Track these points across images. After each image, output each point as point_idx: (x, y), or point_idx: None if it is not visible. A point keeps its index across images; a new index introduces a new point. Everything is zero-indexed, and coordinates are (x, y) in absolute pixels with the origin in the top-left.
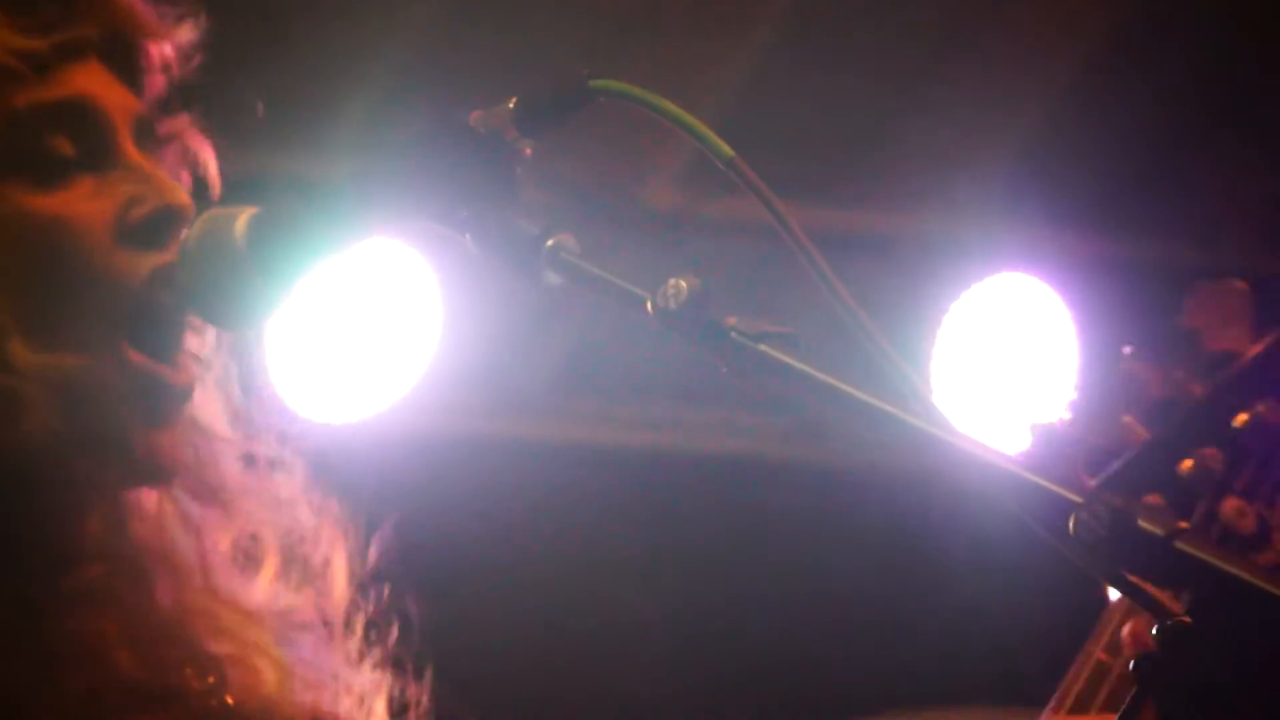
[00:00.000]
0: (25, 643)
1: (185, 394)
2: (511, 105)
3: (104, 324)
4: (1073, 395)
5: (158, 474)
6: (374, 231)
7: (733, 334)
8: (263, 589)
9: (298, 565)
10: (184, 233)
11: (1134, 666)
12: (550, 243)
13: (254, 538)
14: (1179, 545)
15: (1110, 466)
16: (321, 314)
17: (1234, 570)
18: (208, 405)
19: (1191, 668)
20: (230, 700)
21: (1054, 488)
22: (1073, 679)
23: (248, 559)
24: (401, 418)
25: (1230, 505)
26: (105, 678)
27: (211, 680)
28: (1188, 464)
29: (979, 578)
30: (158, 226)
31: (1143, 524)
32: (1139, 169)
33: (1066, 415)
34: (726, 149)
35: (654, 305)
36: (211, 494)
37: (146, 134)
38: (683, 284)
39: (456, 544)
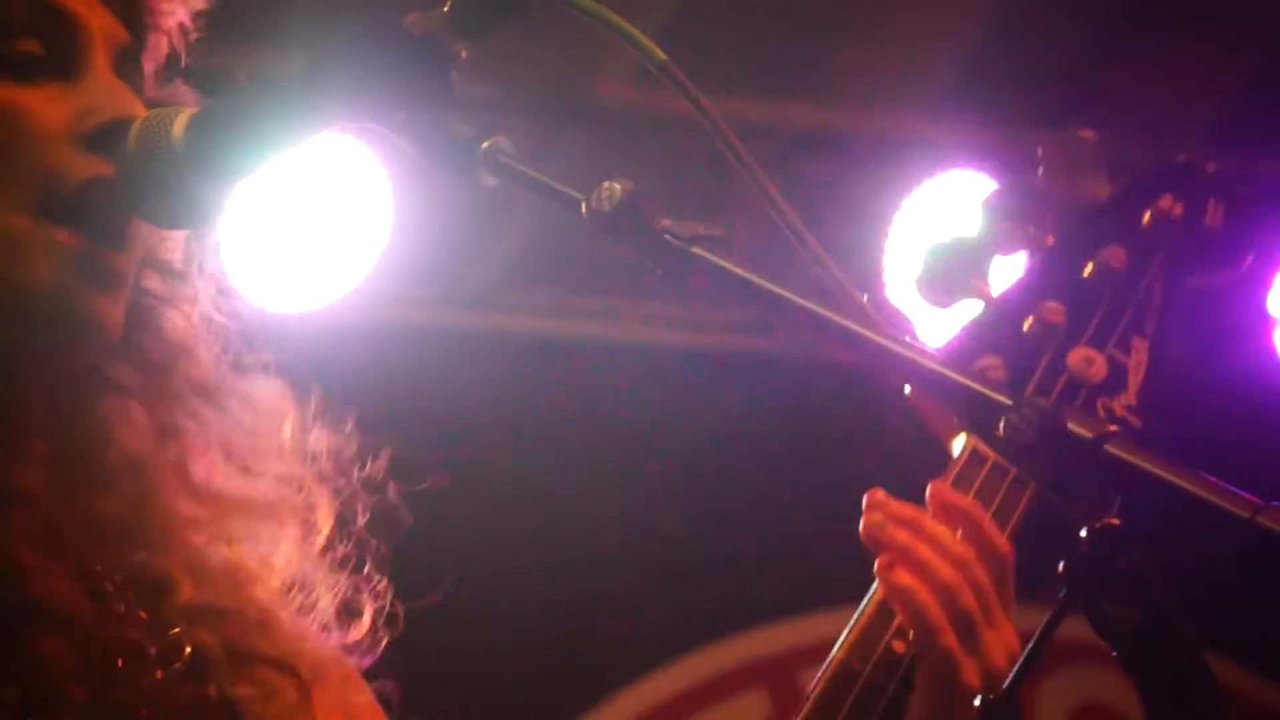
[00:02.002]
0: None
1: (118, 269)
2: (447, 8)
3: (41, 202)
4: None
5: (103, 337)
6: (311, 133)
7: (666, 236)
8: (239, 484)
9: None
10: None
11: (1062, 567)
12: (485, 144)
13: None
14: (1108, 448)
15: (954, 331)
16: (271, 204)
17: (1161, 473)
18: (184, 306)
19: (1120, 569)
20: (143, 615)
21: (984, 390)
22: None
23: (228, 459)
24: (352, 308)
25: (1077, 355)
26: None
27: (127, 598)
28: (1029, 321)
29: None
30: (109, 134)
31: (1071, 427)
32: (1087, 64)
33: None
34: (658, 52)
35: (588, 207)
36: (196, 390)
37: (129, 64)
38: (616, 187)
39: (404, 433)
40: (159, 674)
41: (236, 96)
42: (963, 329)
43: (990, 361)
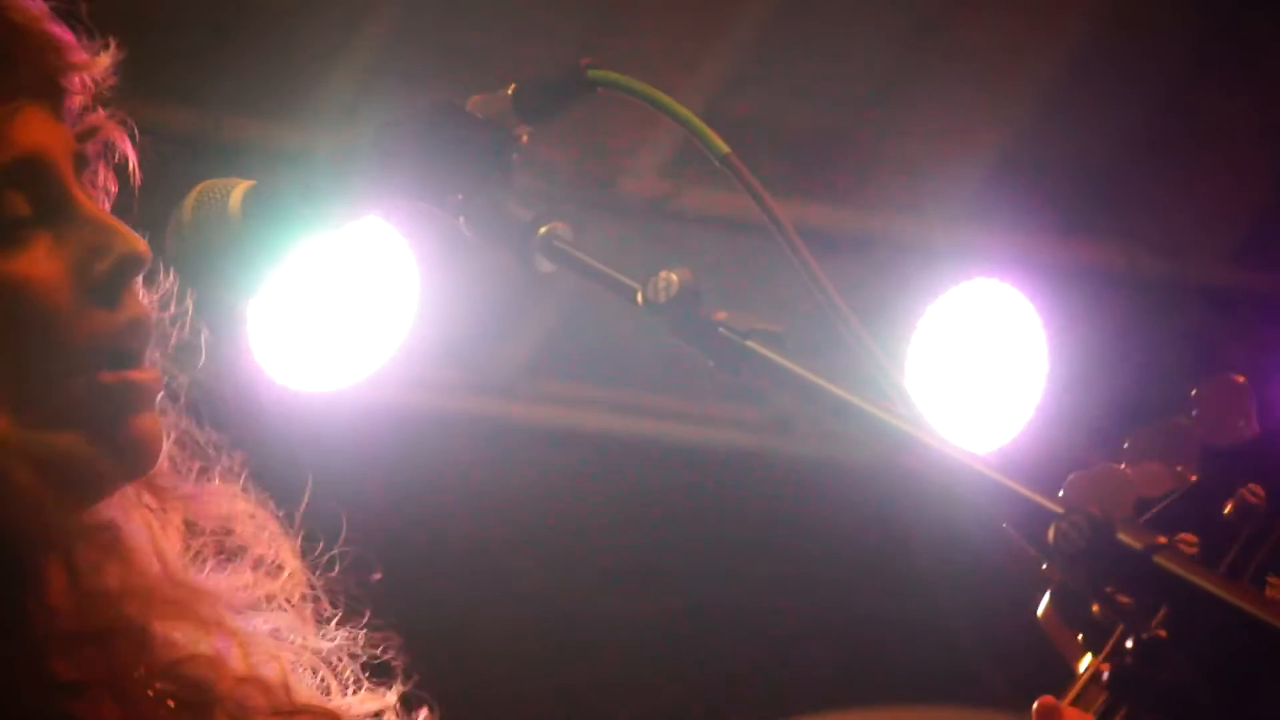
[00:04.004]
0: None
1: (155, 389)
2: (510, 92)
3: (84, 387)
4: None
5: (138, 467)
6: (369, 210)
7: (721, 329)
8: (211, 573)
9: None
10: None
11: (1108, 678)
12: (543, 230)
13: (191, 527)
14: (1157, 560)
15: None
16: (300, 285)
17: (1211, 587)
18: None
19: (1165, 682)
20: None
21: (1035, 497)
22: None
23: (192, 549)
24: (375, 391)
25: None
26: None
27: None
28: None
29: (942, 577)
30: (119, 278)
31: (1121, 537)
32: (1108, 180)
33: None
34: (722, 145)
35: (644, 297)
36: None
37: (82, 165)
38: (674, 277)
39: (420, 516)
40: None
41: (297, 171)
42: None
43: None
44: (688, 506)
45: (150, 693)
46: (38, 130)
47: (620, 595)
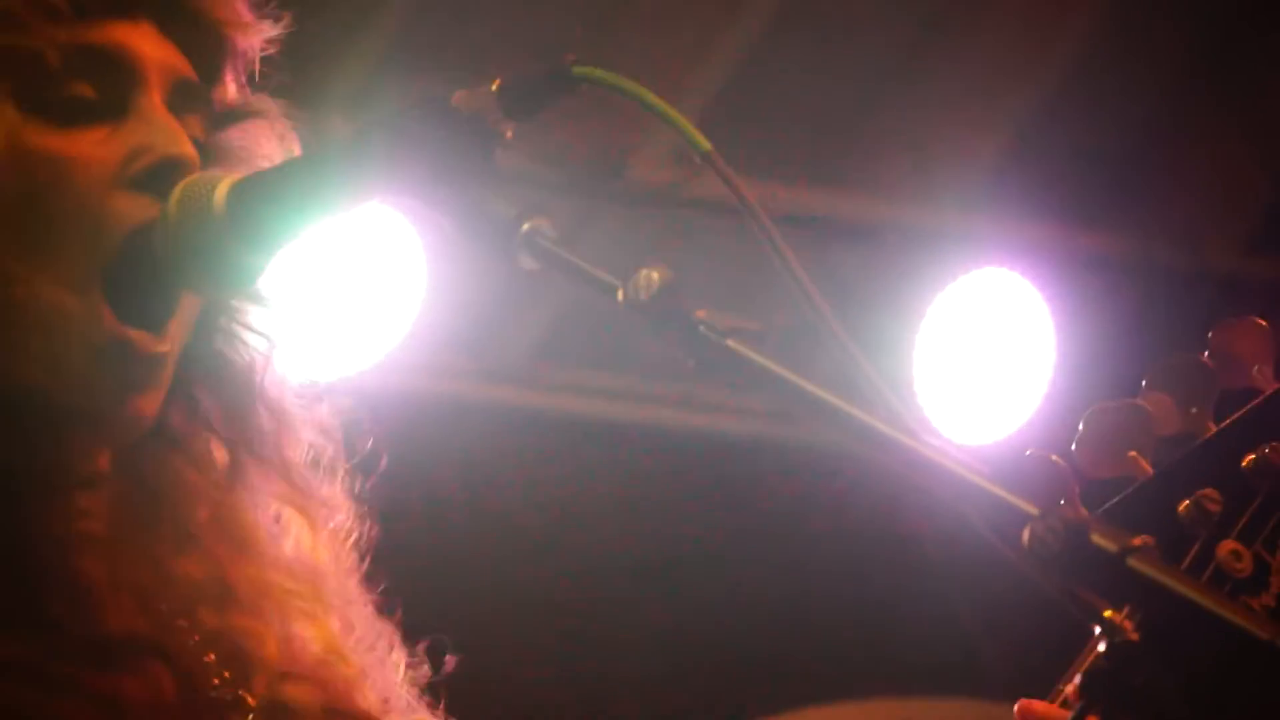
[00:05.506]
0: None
1: (155, 362)
2: (494, 87)
3: (88, 266)
4: (1078, 429)
5: (132, 432)
6: (353, 204)
7: (700, 328)
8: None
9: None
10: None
11: (1081, 682)
12: (526, 226)
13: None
14: (1131, 562)
15: (1109, 502)
16: (306, 270)
17: (1184, 590)
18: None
19: (1138, 686)
20: (226, 675)
21: (1010, 498)
22: None
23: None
24: (381, 377)
25: (1226, 548)
26: (90, 620)
27: (209, 658)
28: (1185, 505)
29: (947, 567)
30: (159, 175)
31: (1096, 539)
32: (1121, 168)
33: (1062, 453)
34: (704, 142)
35: (625, 295)
36: (250, 443)
37: (189, 97)
38: (654, 275)
39: (427, 501)
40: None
41: (280, 165)
42: (1118, 500)
43: (1143, 539)
44: (695, 494)
45: (164, 612)
46: (134, 35)
47: (625, 582)
